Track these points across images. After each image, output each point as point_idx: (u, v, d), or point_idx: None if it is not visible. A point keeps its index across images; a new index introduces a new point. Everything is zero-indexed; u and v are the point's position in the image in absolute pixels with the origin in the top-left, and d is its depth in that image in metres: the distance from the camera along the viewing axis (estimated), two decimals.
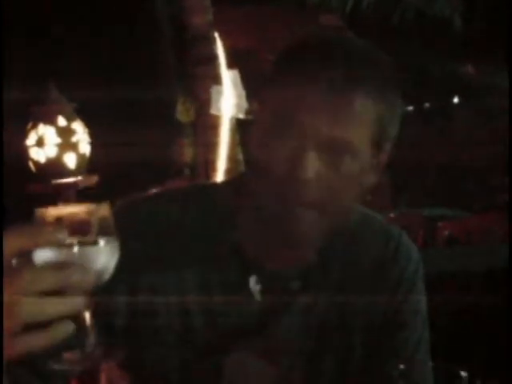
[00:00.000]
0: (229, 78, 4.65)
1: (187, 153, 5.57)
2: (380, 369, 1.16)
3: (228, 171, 4.67)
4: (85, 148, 3.88)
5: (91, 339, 0.83)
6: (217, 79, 4.70)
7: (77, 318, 0.81)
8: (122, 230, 0.83)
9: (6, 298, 0.75)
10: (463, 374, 0.95)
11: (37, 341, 0.77)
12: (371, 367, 1.19)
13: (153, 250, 1.13)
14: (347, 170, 1.05)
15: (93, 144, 3.92)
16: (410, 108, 13.99)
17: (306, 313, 1.17)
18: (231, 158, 4.74)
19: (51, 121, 3.77)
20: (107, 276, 0.83)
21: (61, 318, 0.78)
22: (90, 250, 0.81)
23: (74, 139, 3.81)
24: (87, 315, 0.82)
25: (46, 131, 3.77)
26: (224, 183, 1.36)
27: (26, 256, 0.78)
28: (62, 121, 3.79)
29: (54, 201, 3.71)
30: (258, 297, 1.15)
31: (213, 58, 4.81)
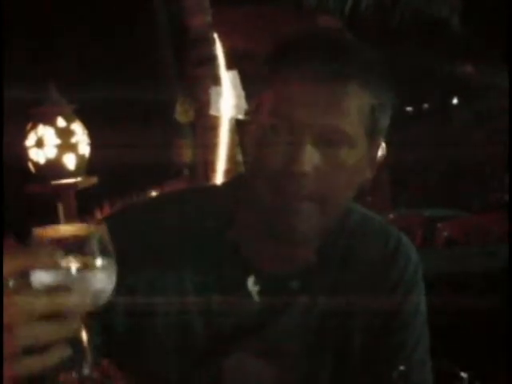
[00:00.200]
0: (228, 79, 4.65)
1: (186, 153, 5.58)
2: (379, 369, 1.17)
3: (227, 172, 4.67)
4: (84, 149, 3.88)
5: (88, 361, 0.82)
6: (216, 80, 4.70)
7: (74, 340, 0.80)
8: (122, 232, 0.83)
9: (2, 320, 0.74)
10: (463, 374, 0.95)
11: (34, 364, 0.77)
12: (370, 367, 1.19)
13: (152, 252, 1.13)
14: (344, 163, 1.06)
15: (92, 145, 3.92)
16: (410, 108, 13.99)
17: (305, 313, 1.17)
18: (230, 159, 4.73)
19: (51, 122, 3.78)
20: (105, 298, 0.82)
21: (58, 341, 0.78)
22: (88, 272, 0.80)
23: (73, 140, 3.81)
24: (84, 337, 0.82)
25: (46, 132, 3.77)
26: (223, 184, 1.37)
27: (23, 277, 0.77)
28: (61, 122, 3.79)
29: (53, 202, 3.72)
30: (256, 297, 1.15)
31: (212, 59, 4.80)
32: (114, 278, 0.83)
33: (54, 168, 3.77)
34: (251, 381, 1.16)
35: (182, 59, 5.30)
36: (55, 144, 3.76)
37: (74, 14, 7.09)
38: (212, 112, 4.62)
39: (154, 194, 4.03)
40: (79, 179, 3.83)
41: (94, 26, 7.22)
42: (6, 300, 0.74)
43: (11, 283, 0.76)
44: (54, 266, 0.78)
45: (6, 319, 0.74)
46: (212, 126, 4.76)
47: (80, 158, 3.84)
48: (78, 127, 3.86)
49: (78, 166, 3.83)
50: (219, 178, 4.66)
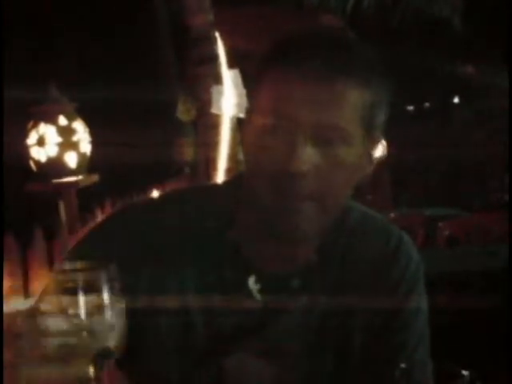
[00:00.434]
0: (229, 78, 4.65)
1: (188, 152, 5.58)
2: (380, 369, 1.16)
3: (229, 170, 4.67)
4: (85, 147, 3.88)
5: None
6: (217, 79, 4.71)
7: (83, 380, 0.80)
8: (123, 232, 0.83)
9: (8, 360, 0.74)
10: (464, 373, 0.95)
11: None
12: (371, 367, 1.19)
13: (152, 252, 1.13)
14: (343, 162, 1.06)
15: (93, 143, 3.92)
16: (410, 108, 13.98)
17: (305, 312, 1.17)
18: (232, 158, 4.74)
19: (52, 120, 3.77)
20: (114, 341, 0.82)
21: (68, 382, 0.78)
22: (97, 316, 0.81)
23: (74, 138, 3.81)
24: (93, 380, 0.81)
25: (47, 130, 3.77)
26: (223, 183, 1.36)
27: (31, 318, 0.77)
28: (62, 120, 3.79)
29: (54, 200, 3.72)
30: (257, 296, 1.15)
31: (213, 58, 4.81)
32: (123, 319, 0.83)
33: (55, 166, 3.76)
34: (252, 381, 1.16)
35: (183, 58, 5.30)
36: (56, 142, 3.76)
37: (74, 13, 7.09)
38: (213, 110, 4.63)
39: (155, 191, 4.03)
40: (80, 177, 3.82)
41: (94, 25, 7.22)
42: (12, 339, 0.75)
43: (19, 322, 0.76)
44: (63, 312, 0.78)
45: (9, 359, 0.74)
46: (213, 124, 4.76)
47: (81, 156, 3.83)
48: (79, 125, 3.85)
49: (80, 165, 3.82)
50: (220, 177, 4.67)
